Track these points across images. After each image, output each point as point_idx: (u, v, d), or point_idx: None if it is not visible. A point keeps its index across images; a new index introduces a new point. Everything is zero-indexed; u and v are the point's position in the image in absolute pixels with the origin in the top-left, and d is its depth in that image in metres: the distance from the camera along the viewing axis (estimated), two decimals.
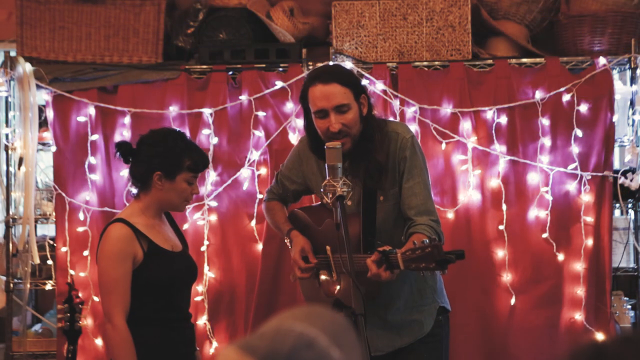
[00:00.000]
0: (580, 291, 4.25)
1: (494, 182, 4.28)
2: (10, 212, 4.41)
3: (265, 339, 1.22)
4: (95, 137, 4.34)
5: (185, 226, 4.30)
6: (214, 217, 4.34)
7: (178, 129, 3.52)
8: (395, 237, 3.10)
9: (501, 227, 4.26)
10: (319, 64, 4.29)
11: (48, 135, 4.41)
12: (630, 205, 4.41)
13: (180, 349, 3.25)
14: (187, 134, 4.26)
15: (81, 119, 4.34)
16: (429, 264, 2.76)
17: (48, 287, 4.49)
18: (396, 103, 4.27)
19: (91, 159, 4.33)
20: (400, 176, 3.14)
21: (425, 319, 3.23)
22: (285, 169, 3.46)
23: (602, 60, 4.26)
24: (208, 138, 4.32)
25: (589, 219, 4.26)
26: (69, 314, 3.18)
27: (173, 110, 4.32)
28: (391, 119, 4.24)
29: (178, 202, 3.24)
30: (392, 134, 3.16)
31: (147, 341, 3.15)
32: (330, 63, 4.26)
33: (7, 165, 4.44)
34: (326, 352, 1.22)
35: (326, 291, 3.23)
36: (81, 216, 4.33)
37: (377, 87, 4.27)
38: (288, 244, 3.31)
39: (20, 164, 4.28)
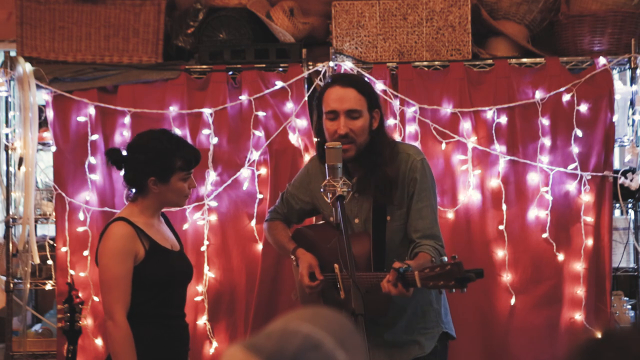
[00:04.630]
0: (580, 291, 4.25)
1: (494, 182, 4.28)
2: (10, 212, 4.41)
3: (272, 339, 1.22)
4: (95, 137, 4.34)
5: (185, 226, 4.30)
6: (214, 217, 4.34)
7: (163, 129, 3.47)
8: (402, 257, 3.10)
9: (501, 227, 4.26)
10: (319, 64, 4.30)
11: (48, 135, 4.41)
12: (630, 205, 4.41)
13: (175, 346, 3.29)
14: (187, 134, 4.29)
15: (81, 119, 4.34)
16: (448, 281, 2.74)
17: (48, 287, 4.49)
18: (396, 103, 4.27)
19: (91, 159, 4.32)
20: (409, 198, 3.14)
21: (426, 340, 3.22)
22: (293, 187, 3.46)
23: (602, 60, 4.26)
24: (208, 138, 4.31)
25: (589, 219, 4.26)
26: (69, 314, 3.20)
27: (173, 110, 4.32)
28: (391, 119, 4.25)
29: (177, 200, 3.30)
30: (402, 155, 3.17)
31: (143, 337, 3.19)
32: (330, 64, 4.27)
33: (7, 165, 4.44)
34: (332, 354, 1.22)
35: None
36: (81, 216, 4.33)
37: (377, 87, 4.26)
38: (294, 262, 3.30)
39: (20, 164, 4.28)
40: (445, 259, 2.80)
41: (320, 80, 4.24)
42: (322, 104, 3.16)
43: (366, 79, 4.24)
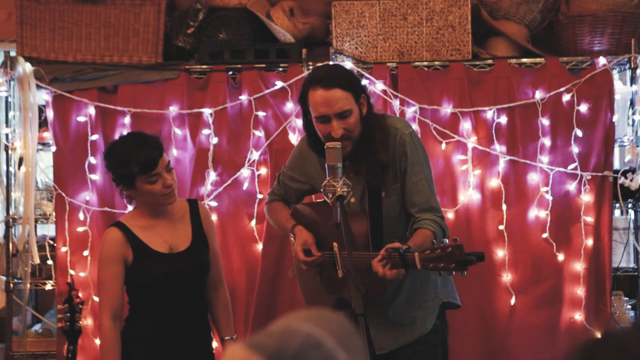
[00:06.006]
0: (580, 291, 4.25)
1: (494, 182, 4.28)
2: (10, 212, 4.41)
3: (273, 338, 1.23)
4: (95, 137, 4.34)
5: None
6: (214, 217, 4.33)
7: (125, 135, 3.50)
8: (398, 232, 3.09)
9: (501, 227, 4.26)
10: (319, 64, 4.29)
11: (48, 135, 4.41)
12: (630, 205, 4.41)
13: (169, 346, 3.31)
14: (187, 134, 4.29)
15: (81, 119, 4.34)
16: (449, 264, 2.74)
17: (48, 287, 4.49)
18: (396, 103, 4.27)
19: (91, 159, 4.32)
20: (402, 172, 3.13)
21: (427, 316, 3.23)
22: (287, 169, 3.45)
23: (602, 60, 4.26)
24: (208, 138, 4.31)
25: (589, 219, 4.26)
26: (69, 314, 3.22)
27: (173, 110, 4.32)
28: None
29: (155, 200, 3.30)
30: (391, 129, 3.15)
31: (137, 337, 3.31)
32: (330, 63, 4.26)
33: (7, 165, 4.44)
34: (333, 354, 1.23)
35: (328, 288, 3.23)
36: (81, 216, 4.33)
37: (377, 87, 4.27)
38: (292, 239, 3.30)
39: (20, 164, 4.28)
40: (446, 240, 2.80)
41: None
42: (309, 107, 3.11)
43: (365, 77, 4.25)
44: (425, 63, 4.33)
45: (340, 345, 1.24)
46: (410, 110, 4.27)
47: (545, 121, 4.27)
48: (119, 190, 3.34)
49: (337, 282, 3.12)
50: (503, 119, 4.27)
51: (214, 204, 4.33)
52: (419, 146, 3.17)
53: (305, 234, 3.20)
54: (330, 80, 3.07)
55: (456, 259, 2.74)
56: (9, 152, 4.40)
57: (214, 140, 4.31)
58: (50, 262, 4.50)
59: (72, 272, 4.32)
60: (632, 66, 4.30)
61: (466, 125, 4.27)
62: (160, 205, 3.32)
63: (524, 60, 4.34)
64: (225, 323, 3.47)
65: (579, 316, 4.25)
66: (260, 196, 4.30)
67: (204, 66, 4.36)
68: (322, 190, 2.83)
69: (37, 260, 4.35)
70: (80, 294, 3.33)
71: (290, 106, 4.30)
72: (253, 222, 4.32)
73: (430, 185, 3.15)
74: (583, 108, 4.25)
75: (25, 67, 4.25)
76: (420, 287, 3.23)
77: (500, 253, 4.26)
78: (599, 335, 1.27)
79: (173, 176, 3.29)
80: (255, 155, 4.32)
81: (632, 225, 4.40)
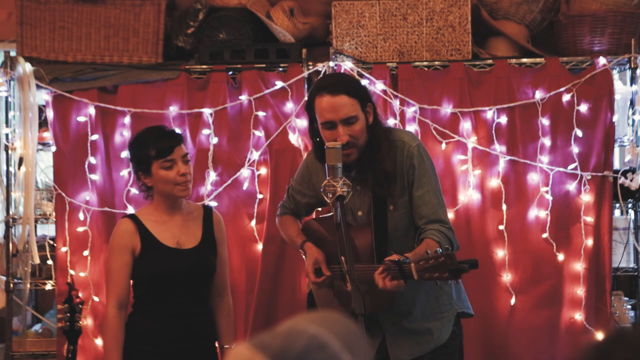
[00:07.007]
0: (580, 291, 4.25)
1: (494, 182, 4.28)
2: (10, 212, 4.41)
3: (278, 338, 1.23)
4: (95, 137, 4.34)
5: None
6: None
7: (148, 127, 3.58)
8: (407, 246, 3.08)
9: (501, 227, 4.26)
10: (319, 64, 4.30)
11: (48, 135, 4.41)
12: (630, 205, 4.41)
13: (167, 343, 3.33)
14: (187, 134, 4.29)
15: (81, 119, 4.34)
16: (443, 273, 2.74)
17: (48, 287, 4.49)
18: (396, 103, 4.27)
19: (91, 159, 4.33)
20: (410, 185, 3.13)
21: (442, 326, 3.22)
22: (296, 183, 3.46)
23: (602, 60, 4.26)
24: (208, 138, 4.31)
25: (589, 219, 4.26)
26: (69, 314, 3.23)
27: (173, 110, 4.32)
28: (391, 119, 4.25)
29: (169, 189, 3.37)
30: (398, 142, 3.15)
31: (136, 329, 3.36)
32: (330, 64, 4.27)
33: (7, 165, 4.44)
34: (337, 356, 1.23)
35: (340, 301, 3.22)
36: (81, 216, 4.33)
37: (377, 87, 4.27)
38: (303, 256, 3.30)
39: (20, 164, 4.28)
40: (439, 250, 2.79)
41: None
42: (315, 113, 3.12)
43: (365, 77, 4.25)
44: (425, 63, 4.33)
45: (346, 347, 1.24)
46: (410, 110, 4.27)
47: (545, 121, 4.27)
48: (138, 180, 3.43)
49: (348, 295, 3.12)
50: (503, 119, 4.28)
51: (214, 204, 4.32)
52: (426, 158, 3.16)
53: (316, 251, 3.19)
54: (337, 87, 3.08)
55: (449, 267, 2.74)
56: (9, 152, 4.40)
57: (214, 140, 4.32)
58: (50, 262, 4.50)
59: (72, 272, 4.31)
60: (632, 66, 4.30)
61: (466, 125, 4.28)
62: (175, 197, 3.38)
63: (524, 60, 4.34)
64: (226, 331, 3.48)
65: (579, 316, 4.25)
66: (260, 196, 4.31)
67: (204, 66, 4.36)
68: (322, 190, 2.83)
69: (37, 260, 4.35)
70: (80, 294, 3.35)
71: (290, 106, 4.30)
72: (253, 222, 4.32)
73: (437, 197, 3.14)
74: (583, 108, 4.25)
75: (25, 67, 4.25)
76: (434, 300, 3.23)
77: (500, 253, 4.26)
78: (610, 334, 1.26)
79: (189, 168, 3.37)
80: (255, 155, 4.32)
81: (632, 225, 4.40)
